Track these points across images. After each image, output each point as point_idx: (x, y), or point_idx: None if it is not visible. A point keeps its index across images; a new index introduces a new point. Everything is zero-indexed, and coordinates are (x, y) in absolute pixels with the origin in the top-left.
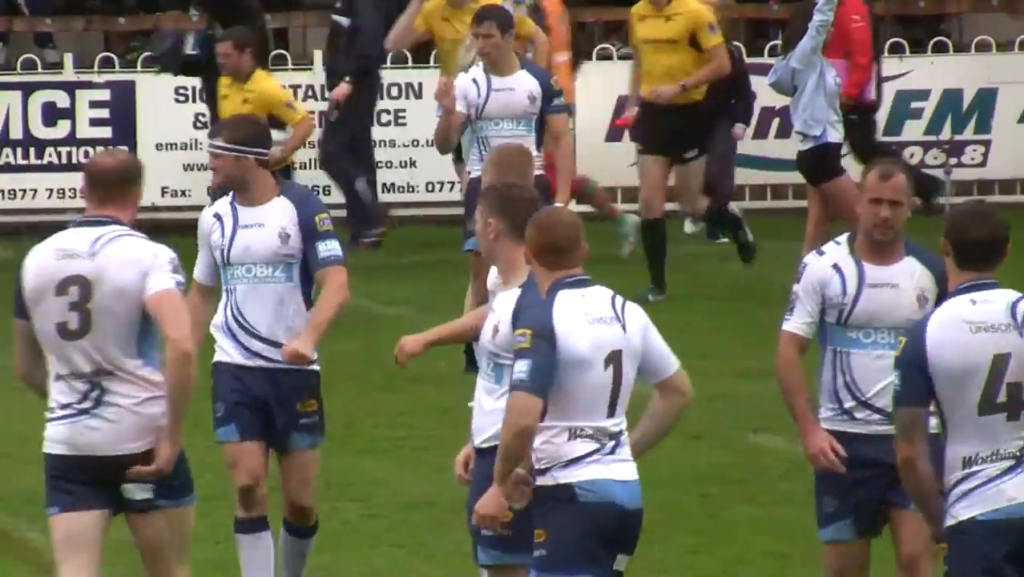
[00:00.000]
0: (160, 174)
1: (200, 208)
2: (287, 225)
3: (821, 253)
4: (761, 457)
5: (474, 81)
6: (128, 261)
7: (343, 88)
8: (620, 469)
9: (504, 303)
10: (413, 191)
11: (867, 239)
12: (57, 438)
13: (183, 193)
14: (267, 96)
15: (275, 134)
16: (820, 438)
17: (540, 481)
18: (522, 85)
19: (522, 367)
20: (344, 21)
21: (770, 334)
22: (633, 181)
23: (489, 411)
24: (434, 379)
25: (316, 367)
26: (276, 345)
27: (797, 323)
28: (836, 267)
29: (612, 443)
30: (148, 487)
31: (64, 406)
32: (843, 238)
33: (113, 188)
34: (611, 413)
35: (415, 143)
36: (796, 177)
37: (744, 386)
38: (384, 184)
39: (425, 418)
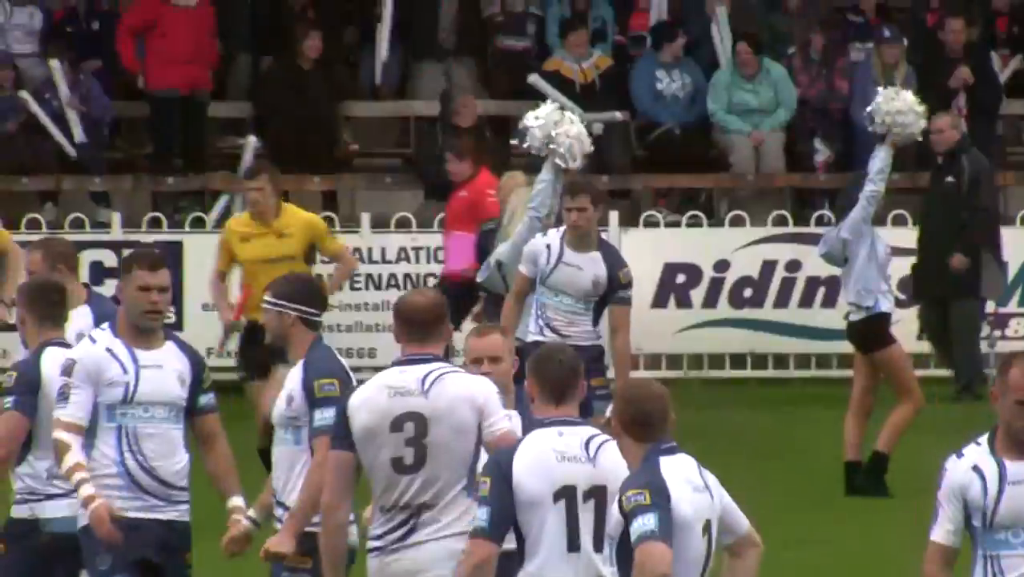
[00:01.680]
0: (206, 335)
1: None
2: (294, 388)
3: (960, 456)
4: None
5: (547, 247)
6: (462, 399)
7: None
8: None
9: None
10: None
11: (1009, 438)
12: (371, 570)
13: (230, 354)
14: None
15: None
16: None
17: None
18: (590, 268)
19: (649, 520)
20: None
21: (811, 502)
22: (677, 348)
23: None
24: None
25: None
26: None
27: (940, 532)
28: (976, 468)
29: None
30: None
31: (379, 537)
32: (984, 438)
33: (430, 326)
34: None
35: None
36: (841, 346)
37: (787, 555)
38: None
39: None
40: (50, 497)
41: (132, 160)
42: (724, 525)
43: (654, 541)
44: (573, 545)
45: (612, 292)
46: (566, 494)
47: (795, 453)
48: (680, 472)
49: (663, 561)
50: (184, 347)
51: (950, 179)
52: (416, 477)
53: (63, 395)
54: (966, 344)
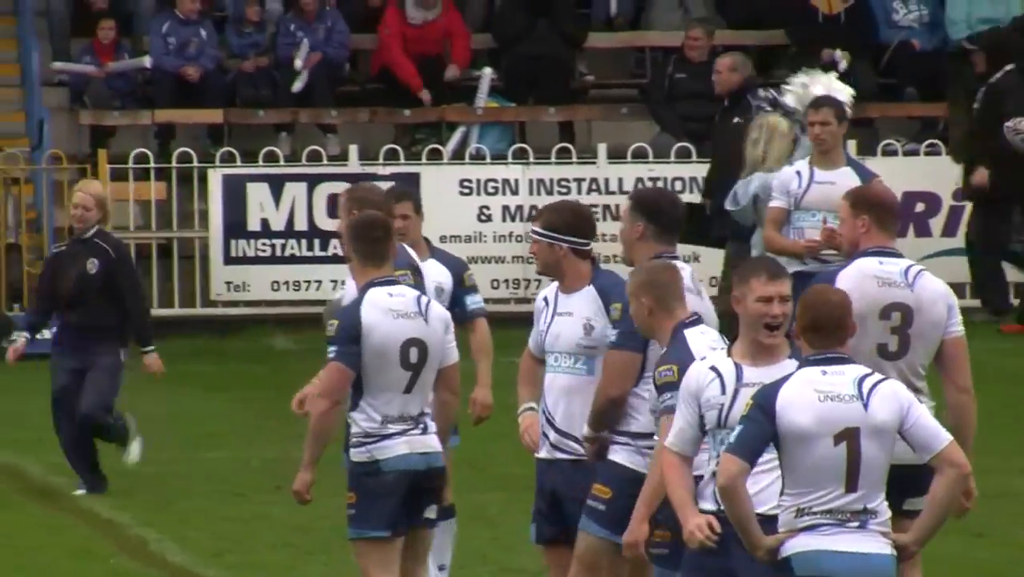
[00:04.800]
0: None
1: (487, 301)
2: (592, 316)
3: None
4: None
5: (798, 173)
6: (940, 295)
7: None
8: (851, 541)
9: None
10: None
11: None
12: None
13: None
14: None
15: None
16: None
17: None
18: (844, 180)
19: (734, 433)
20: None
21: None
22: None
23: (773, 480)
24: None
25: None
26: (569, 437)
27: None
28: None
29: (855, 522)
30: None
31: None
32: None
33: None
34: (850, 489)
35: None
36: None
37: None
38: None
39: None
40: (387, 437)
41: (366, 93)
42: (915, 443)
43: (727, 453)
44: None
45: None
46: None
47: None
48: (811, 383)
49: (724, 473)
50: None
51: (736, 120)
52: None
53: None
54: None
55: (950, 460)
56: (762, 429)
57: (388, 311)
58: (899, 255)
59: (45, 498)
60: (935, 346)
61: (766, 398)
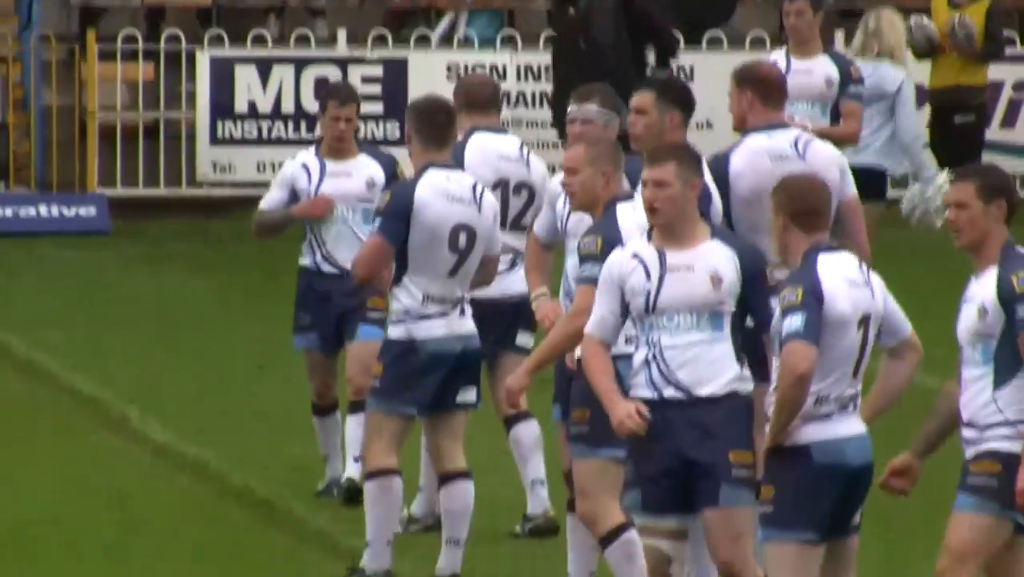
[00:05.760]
0: None
1: None
2: None
3: None
4: None
5: (774, 62)
6: (832, 161)
7: None
8: (851, 425)
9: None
10: None
11: None
12: None
13: None
14: None
15: None
16: None
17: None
18: (820, 68)
19: (796, 321)
20: None
21: None
22: None
23: (713, 360)
24: None
25: None
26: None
27: None
28: None
29: (851, 406)
30: None
31: None
32: None
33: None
34: (855, 374)
35: None
36: None
37: None
38: None
39: None
40: (425, 317)
41: None
42: (887, 327)
43: (798, 340)
44: None
45: (843, 88)
46: None
47: None
48: (838, 268)
49: (805, 360)
50: (377, 154)
51: (571, 11)
52: None
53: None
54: None
55: (914, 345)
56: (819, 315)
57: (444, 193)
58: (787, 126)
59: (28, 374)
60: (834, 213)
61: (813, 285)
